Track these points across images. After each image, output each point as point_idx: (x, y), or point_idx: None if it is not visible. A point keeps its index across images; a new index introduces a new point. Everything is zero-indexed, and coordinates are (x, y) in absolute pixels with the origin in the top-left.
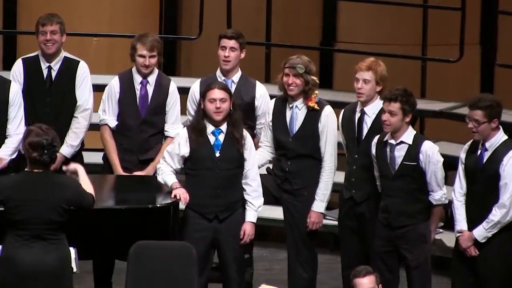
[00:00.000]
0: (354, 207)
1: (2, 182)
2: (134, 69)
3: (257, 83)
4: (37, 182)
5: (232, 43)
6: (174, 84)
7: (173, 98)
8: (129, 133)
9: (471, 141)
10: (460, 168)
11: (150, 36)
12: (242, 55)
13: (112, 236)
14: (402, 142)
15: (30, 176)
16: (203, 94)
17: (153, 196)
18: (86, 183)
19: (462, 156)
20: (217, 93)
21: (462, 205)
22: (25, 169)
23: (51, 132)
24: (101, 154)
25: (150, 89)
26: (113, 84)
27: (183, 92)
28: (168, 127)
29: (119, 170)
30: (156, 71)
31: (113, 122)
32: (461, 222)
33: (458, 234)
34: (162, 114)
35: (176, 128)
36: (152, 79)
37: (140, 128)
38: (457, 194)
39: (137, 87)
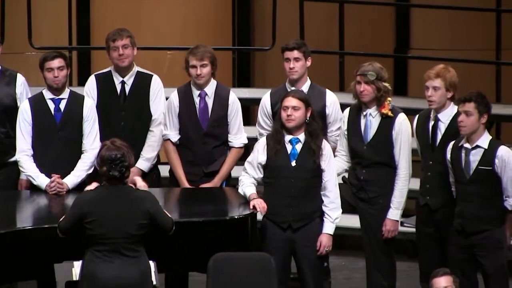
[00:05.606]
0: (431, 214)
1: (81, 198)
2: (192, 82)
3: (327, 91)
4: (115, 196)
5: (295, 53)
6: (234, 94)
7: (234, 108)
8: (192, 146)
9: None
10: None
11: (201, 47)
12: (308, 64)
13: (191, 248)
14: (477, 146)
15: (107, 191)
16: (281, 101)
17: (225, 208)
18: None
19: None
20: (290, 101)
21: None
22: (102, 184)
23: (123, 148)
24: (168, 167)
25: (209, 101)
26: (172, 98)
27: (258, 103)
28: (231, 137)
29: (185, 183)
30: (213, 82)
31: (175, 137)
32: None
33: None
34: (224, 125)
35: (239, 138)
36: (210, 90)
37: (202, 140)
38: None
39: (196, 100)
